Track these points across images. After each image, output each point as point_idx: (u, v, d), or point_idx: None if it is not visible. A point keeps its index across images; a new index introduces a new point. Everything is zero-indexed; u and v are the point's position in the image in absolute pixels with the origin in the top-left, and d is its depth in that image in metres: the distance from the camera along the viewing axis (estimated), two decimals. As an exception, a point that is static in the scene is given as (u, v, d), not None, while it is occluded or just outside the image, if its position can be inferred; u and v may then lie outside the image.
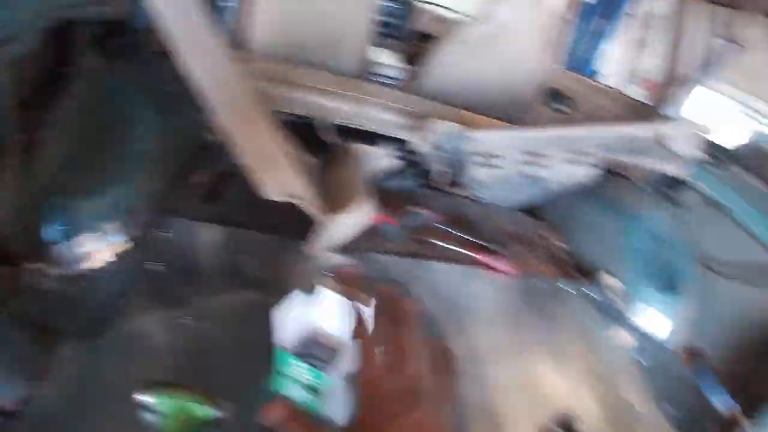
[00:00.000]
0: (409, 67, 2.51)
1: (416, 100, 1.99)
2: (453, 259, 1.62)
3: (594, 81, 2.74)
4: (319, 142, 1.82)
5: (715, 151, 1.91)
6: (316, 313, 0.67)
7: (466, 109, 1.96)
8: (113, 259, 1.18)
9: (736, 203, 1.80)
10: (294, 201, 1.32)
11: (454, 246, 1.66)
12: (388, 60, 2.56)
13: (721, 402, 1.51)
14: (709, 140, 1.84)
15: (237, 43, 1.94)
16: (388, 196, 1.68)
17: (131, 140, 1.30)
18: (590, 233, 2.03)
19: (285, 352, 0.66)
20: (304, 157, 1.64)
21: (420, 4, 3.20)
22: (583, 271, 1.91)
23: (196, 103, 1.25)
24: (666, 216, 1.96)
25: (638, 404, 1.45)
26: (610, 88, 2.49)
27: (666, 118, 1.91)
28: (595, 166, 1.85)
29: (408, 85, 2.24)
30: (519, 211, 2.04)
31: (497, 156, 1.79)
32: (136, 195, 1.28)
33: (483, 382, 1.31)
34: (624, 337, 1.72)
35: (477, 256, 1.63)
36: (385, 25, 2.90)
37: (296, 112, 1.79)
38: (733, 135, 2.21)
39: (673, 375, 1.65)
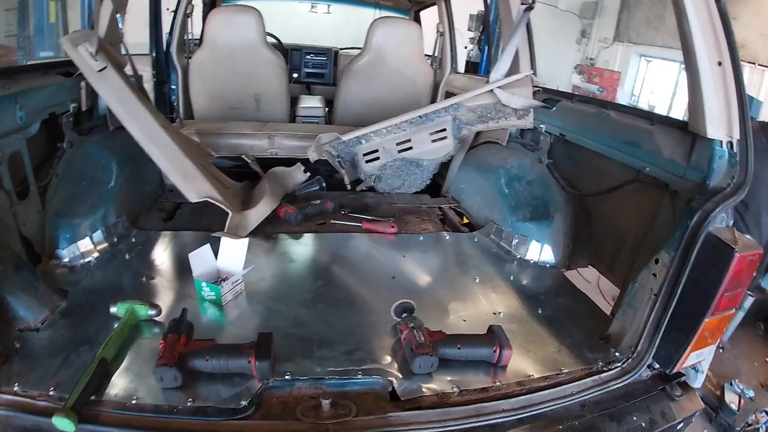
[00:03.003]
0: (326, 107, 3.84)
1: (317, 128, 3.23)
2: (346, 230, 2.73)
3: (472, 76, 3.87)
4: (250, 172, 3.06)
5: (544, 95, 2.89)
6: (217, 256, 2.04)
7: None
8: (98, 255, 2.37)
9: (572, 130, 2.70)
10: (211, 201, 2.49)
11: (348, 222, 2.77)
12: (313, 103, 3.86)
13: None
14: (536, 89, 2.85)
15: (184, 110, 3.34)
16: (295, 198, 2.92)
17: (104, 183, 2.56)
18: (474, 195, 3.06)
19: (199, 280, 1.99)
20: (227, 180, 2.84)
21: (344, 51, 4.61)
22: (473, 226, 2.91)
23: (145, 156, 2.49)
24: (526, 160, 2.92)
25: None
26: (480, 76, 3.59)
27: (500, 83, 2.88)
28: (455, 138, 2.89)
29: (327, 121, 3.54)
30: (418, 193, 3.15)
31: (376, 150, 2.89)
32: (112, 216, 2.50)
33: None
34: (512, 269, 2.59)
35: (361, 225, 2.72)
36: (314, 75, 4.37)
37: (228, 154, 3.06)
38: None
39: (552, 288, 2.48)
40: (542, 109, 2.87)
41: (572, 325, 2.11)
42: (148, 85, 3.46)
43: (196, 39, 3.97)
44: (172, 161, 2.51)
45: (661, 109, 11.04)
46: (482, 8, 4.39)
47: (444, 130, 2.94)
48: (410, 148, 2.95)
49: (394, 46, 3.83)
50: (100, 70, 2.42)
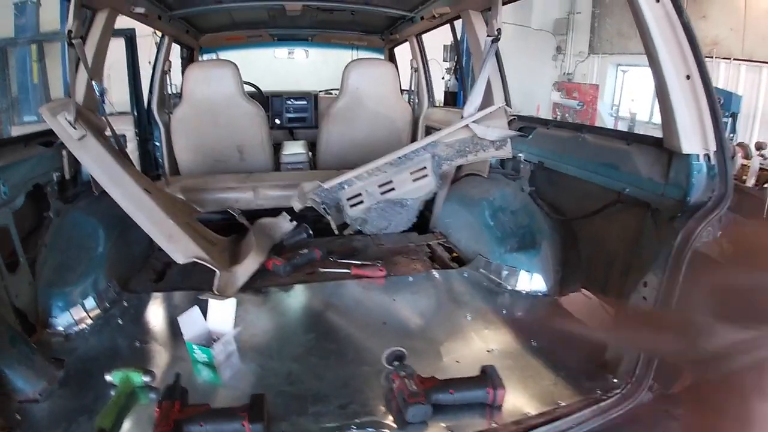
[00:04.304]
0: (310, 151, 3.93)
1: (300, 175, 3.31)
2: (335, 277, 2.77)
3: (450, 109, 3.98)
4: (237, 225, 3.11)
5: (520, 124, 2.97)
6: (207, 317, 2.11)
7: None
8: (91, 322, 2.41)
9: (549, 156, 2.77)
10: (198, 261, 2.53)
11: (337, 269, 2.82)
12: (296, 149, 3.94)
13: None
14: (512, 118, 2.94)
15: (169, 166, 3.48)
16: (282, 248, 2.97)
17: (92, 248, 2.61)
18: (460, 229, 3.14)
19: (190, 343, 2.01)
20: (214, 237, 2.89)
21: (325, 94, 4.73)
22: (462, 260, 2.95)
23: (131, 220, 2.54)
24: (508, 189, 2.99)
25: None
26: (458, 108, 3.69)
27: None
28: (435, 175, 2.97)
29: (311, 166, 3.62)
30: (406, 231, 3.22)
31: (359, 194, 2.96)
32: (102, 282, 2.54)
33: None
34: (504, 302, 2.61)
35: (350, 271, 2.77)
36: (296, 120, 4.49)
37: (214, 209, 3.12)
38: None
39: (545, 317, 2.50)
40: (519, 138, 2.94)
41: (568, 355, 2.11)
42: (132, 144, 3.53)
43: (179, 93, 4.05)
44: (156, 224, 2.55)
45: (642, 116, 11.18)
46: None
47: (424, 168, 3.01)
48: (392, 189, 3.01)
49: (370, 86, 3.92)
50: (80, 138, 2.48)
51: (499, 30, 2.78)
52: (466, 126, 2.95)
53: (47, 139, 2.62)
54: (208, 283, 2.52)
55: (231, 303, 2.24)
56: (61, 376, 2.02)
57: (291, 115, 5.04)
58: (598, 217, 2.46)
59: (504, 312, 2.50)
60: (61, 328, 2.34)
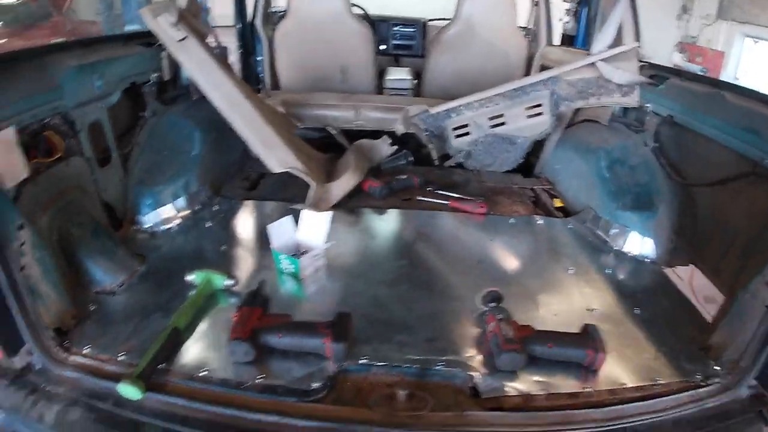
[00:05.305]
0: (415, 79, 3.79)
1: (404, 100, 3.12)
2: (431, 207, 2.60)
3: (569, 48, 3.59)
4: (334, 144, 3.03)
5: (651, 71, 2.60)
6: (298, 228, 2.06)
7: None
8: (179, 222, 2.38)
9: (681, 111, 2.41)
10: (293, 172, 2.42)
11: (435, 199, 2.65)
12: (401, 75, 3.72)
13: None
14: (642, 63, 2.56)
15: (270, 82, 3.47)
16: (380, 171, 2.87)
17: (187, 151, 2.58)
18: (570, 177, 2.85)
19: (277, 252, 1.96)
20: (311, 151, 2.78)
21: (432, 22, 4.43)
22: (567, 211, 2.70)
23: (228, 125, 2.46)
24: (629, 142, 2.67)
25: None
26: (579, 49, 3.32)
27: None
28: (551, 114, 2.69)
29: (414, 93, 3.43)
30: (510, 172, 2.98)
31: (467, 125, 2.73)
32: (194, 184, 2.50)
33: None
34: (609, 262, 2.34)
35: (448, 203, 2.59)
36: (402, 47, 4.23)
37: (313, 125, 2.99)
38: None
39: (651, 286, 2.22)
40: (649, 86, 2.57)
41: (670, 331, 1.89)
42: (234, 57, 3.45)
43: (282, 11, 3.91)
44: (254, 130, 2.46)
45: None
46: (578, -23, 4.04)
47: (540, 105, 2.71)
48: (503, 123, 2.74)
49: (485, 15, 3.59)
50: (180, 40, 2.38)
51: None
52: (592, 65, 2.62)
53: (148, 40, 2.55)
54: (301, 197, 2.42)
55: (326, 216, 2.13)
56: (142, 272, 2.02)
57: (397, 42, 4.74)
58: (725, 187, 2.15)
59: (608, 272, 2.24)
60: (148, 226, 2.33)
